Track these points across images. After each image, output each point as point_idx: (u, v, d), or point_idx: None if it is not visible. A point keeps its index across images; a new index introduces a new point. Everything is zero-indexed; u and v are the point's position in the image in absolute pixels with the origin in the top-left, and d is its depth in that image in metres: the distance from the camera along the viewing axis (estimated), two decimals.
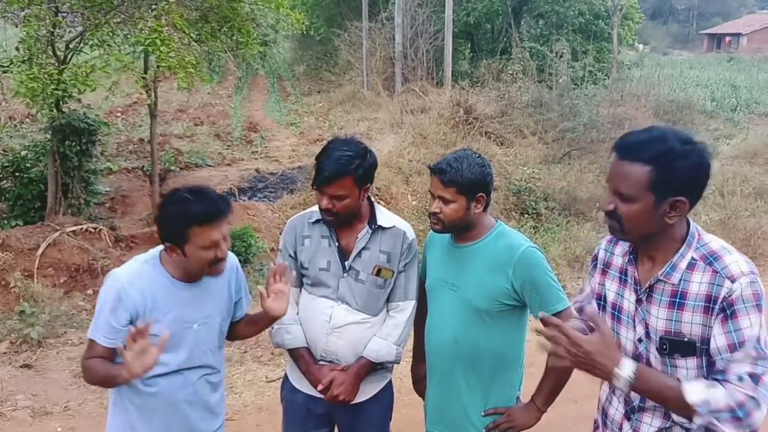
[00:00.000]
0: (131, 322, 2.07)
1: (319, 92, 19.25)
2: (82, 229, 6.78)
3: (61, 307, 5.72)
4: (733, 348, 1.67)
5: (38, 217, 7.17)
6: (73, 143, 7.03)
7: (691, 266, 1.76)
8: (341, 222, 2.42)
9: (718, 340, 1.69)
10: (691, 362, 1.76)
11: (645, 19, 26.30)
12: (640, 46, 30.37)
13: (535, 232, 8.03)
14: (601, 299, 2.01)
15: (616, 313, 1.94)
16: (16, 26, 6.71)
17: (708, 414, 1.65)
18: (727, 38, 50.09)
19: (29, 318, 5.32)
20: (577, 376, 2.15)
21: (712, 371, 1.73)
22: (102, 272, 6.06)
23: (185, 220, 2.03)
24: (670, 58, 37.72)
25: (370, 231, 2.45)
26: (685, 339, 1.74)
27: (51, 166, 7.06)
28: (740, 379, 1.66)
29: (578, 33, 17.07)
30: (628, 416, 1.92)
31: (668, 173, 1.66)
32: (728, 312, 1.68)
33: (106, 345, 2.10)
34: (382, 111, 13.80)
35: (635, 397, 1.87)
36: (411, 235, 2.51)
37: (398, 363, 2.57)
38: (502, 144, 10.86)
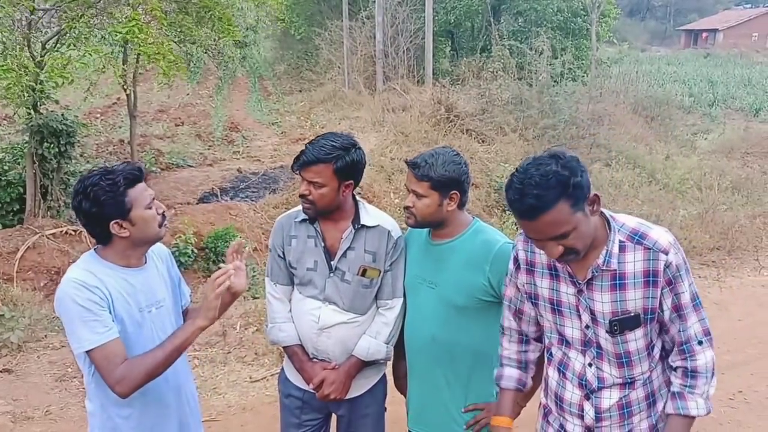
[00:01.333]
0: (108, 310, 2.03)
1: (300, 91, 19.18)
2: (61, 231, 6.71)
3: (42, 311, 5.66)
4: (677, 309, 1.91)
5: (17, 220, 7.09)
6: (52, 145, 6.96)
7: (622, 249, 1.89)
8: (318, 213, 2.42)
9: (669, 306, 1.91)
10: (639, 332, 1.94)
11: (623, 15, 26.55)
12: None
13: (517, 228, 8.07)
14: (532, 297, 2.09)
15: (555, 307, 2.04)
16: None
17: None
18: (704, 34, 50.69)
19: (9, 322, 5.25)
20: None
21: (667, 334, 1.97)
22: None
23: (121, 186, 2.03)
24: (648, 54, 38.09)
25: (353, 230, 2.45)
26: (632, 314, 1.91)
27: (29, 168, 6.98)
28: (700, 343, 1.94)
29: (557, 30, 17.19)
30: (587, 397, 2.04)
31: (575, 193, 1.77)
32: (673, 282, 1.88)
33: (109, 338, 2.00)
34: (364, 110, 13.79)
35: (593, 379, 2.02)
36: (396, 233, 2.51)
37: (389, 360, 2.60)
38: (483, 141, 10.91)
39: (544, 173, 1.76)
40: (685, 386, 1.95)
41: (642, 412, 2.02)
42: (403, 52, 16.09)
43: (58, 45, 6.89)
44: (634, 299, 1.89)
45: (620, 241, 1.89)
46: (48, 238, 6.52)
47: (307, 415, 2.61)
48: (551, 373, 2.14)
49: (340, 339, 2.47)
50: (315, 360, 2.50)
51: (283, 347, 2.58)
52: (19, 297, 5.73)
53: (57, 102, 7.27)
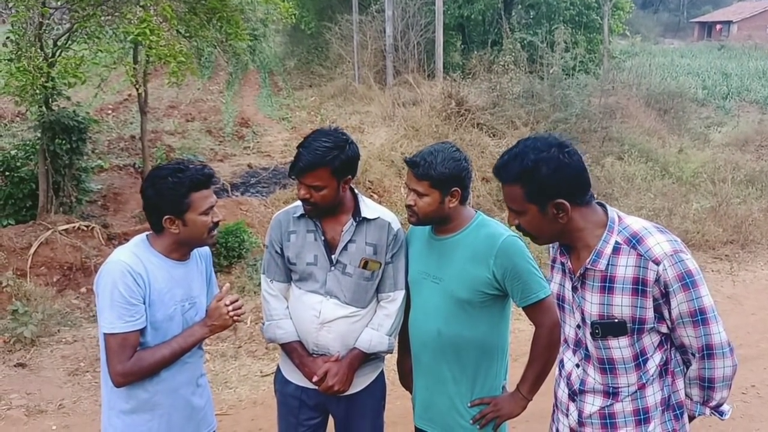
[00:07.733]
0: (143, 301, 2.08)
1: (310, 86, 19.15)
2: (74, 227, 6.75)
3: (54, 306, 5.71)
4: (676, 319, 1.80)
5: (30, 216, 7.14)
6: (64, 141, 7.00)
7: (616, 251, 1.84)
8: (320, 212, 2.42)
9: (668, 317, 1.82)
10: (624, 341, 1.87)
11: (635, 8, 26.29)
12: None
13: None
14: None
15: (560, 303, 2.04)
16: (3, 22, 6.66)
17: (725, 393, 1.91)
18: (718, 26, 50.12)
19: (22, 317, 5.31)
20: None
21: (678, 348, 1.91)
22: (95, 270, 6.05)
23: (185, 187, 2.10)
24: (661, 46, 37.73)
25: (354, 223, 2.44)
26: (616, 320, 1.85)
27: (42, 164, 7.02)
28: (693, 355, 1.86)
29: (569, 23, 17.05)
30: (572, 398, 2.02)
31: (534, 185, 1.80)
32: (668, 294, 1.78)
33: (133, 329, 2.06)
34: (374, 104, 13.76)
35: (576, 381, 2.00)
36: (396, 225, 2.51)
37: (391, 353, 2.59)
38: (494, 135, 10.84)
39: (517, 154, 1.83)
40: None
41: (628, 427, 1.93)
42: (414, 46, 16.03)
43: (69, 42, 6.91)
44: (621, 305, 1.83)
45: (616, 242, 1.83)
46: (60, 233, 6.56)
47: (305, 415, 2.59)
48: (556, 370, 2.16)
49: (341, 333, 2.45)
50: (315, 356, 2.49)
51: (281, 344, 2.55)
52: (33, 292, 5.77)
53: (69, 98, 7.31)
